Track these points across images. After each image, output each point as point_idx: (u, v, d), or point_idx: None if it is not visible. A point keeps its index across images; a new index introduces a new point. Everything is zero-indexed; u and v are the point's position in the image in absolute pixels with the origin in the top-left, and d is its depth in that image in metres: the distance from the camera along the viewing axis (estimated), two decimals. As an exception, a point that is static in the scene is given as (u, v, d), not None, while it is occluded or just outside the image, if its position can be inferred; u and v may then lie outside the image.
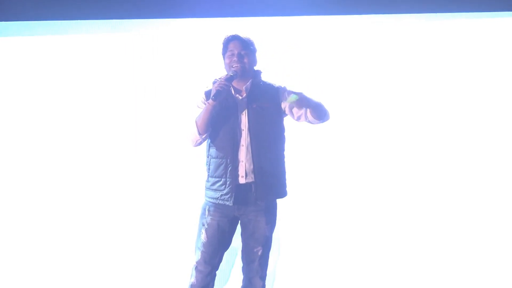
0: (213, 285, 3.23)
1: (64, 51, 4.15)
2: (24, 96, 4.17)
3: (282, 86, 3.21)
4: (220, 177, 3.05)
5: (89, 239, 4.15)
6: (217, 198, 3.09)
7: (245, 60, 3.04)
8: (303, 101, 3.05)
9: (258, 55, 3.18)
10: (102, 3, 4.03)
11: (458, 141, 4.18)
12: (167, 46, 4.14)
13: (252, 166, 3.08)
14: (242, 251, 3.22)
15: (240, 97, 3.11)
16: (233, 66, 3.03)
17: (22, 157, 4.19)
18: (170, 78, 4.14)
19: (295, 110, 3.17)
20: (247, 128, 3.09)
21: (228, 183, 3.04)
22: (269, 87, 3.17)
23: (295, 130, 3.54)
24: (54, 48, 4.15)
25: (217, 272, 3.25)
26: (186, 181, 4.06)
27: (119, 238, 4.15)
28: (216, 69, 3.26)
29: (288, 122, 3.30)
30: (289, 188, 3.28)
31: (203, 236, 3.13)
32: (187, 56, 4.13)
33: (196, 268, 3.20)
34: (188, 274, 3.22)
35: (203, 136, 3.08)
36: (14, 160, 4.18)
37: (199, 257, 3.17)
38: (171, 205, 4.15)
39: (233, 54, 3.05)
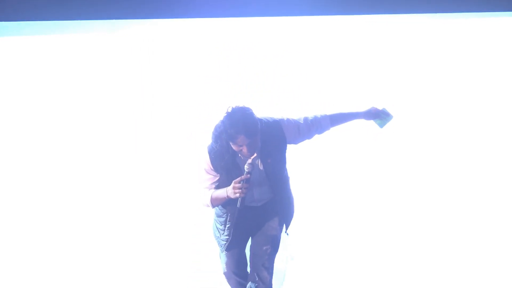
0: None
1: (63, 51, 4.15)
2: (23, 95, 4.18)
3: (281, 119, 3.03)
4: (221, 224, 3.09)
5: (88, 239, 4.15)
6: (217, 236, 3.16)
7: (255, 145, 2.86)
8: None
9: (254, 56, 3.04)
10: (101, 3, 4.03)
11: (458, 140, 4.17)
12: (165, 45, 4.14)
13: (271, 195, 3.09)
14: (251, 248, 3.19)
15: (252, 157, 3.00)
16: (245, 155, 2.90)
17: (22, 156, 4.19)
18: (168, 78, 4.14)
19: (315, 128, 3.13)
20: (265, 174, 3.02)
21: (225, 233, 3.08)
22: (271, 127, 2.99)
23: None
24: (53, 47, 4.15)
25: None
26: (184, 178, 4.07)
27: (119, 238, 4.15)
28: (215, 69, 3.26)
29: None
30: (297, 189, 3.29)
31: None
32: (185, 55, 4.13)
33: (228, 277, 3.27)
34: (188, 274, 3.22)
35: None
36: (14, 159, 4.19)
37: (225, 270, 3.23)
38: (171, 204, 4.15)
39: (242, 145, 2.83)
